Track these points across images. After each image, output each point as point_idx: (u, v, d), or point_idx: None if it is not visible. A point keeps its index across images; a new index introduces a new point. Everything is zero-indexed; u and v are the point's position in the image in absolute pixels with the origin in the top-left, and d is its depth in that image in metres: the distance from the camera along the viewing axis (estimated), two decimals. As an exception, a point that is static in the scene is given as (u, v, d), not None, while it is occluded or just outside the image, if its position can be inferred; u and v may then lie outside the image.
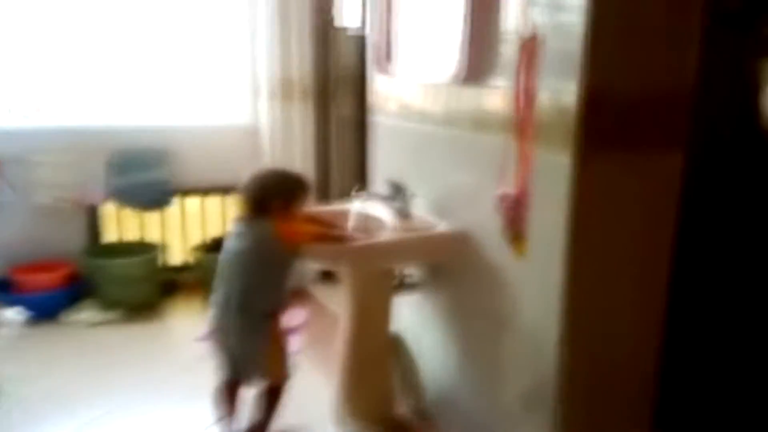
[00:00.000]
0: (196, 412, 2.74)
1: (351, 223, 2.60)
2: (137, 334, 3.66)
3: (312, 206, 2.57)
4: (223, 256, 2.37)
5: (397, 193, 2.54)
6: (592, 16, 1.68)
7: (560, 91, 1.79)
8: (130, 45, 4.03)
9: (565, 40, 1.76)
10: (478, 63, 2.16)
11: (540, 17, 1.85)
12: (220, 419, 2.52)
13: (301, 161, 4.03)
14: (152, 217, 4.16)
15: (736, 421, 2.07)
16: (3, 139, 3.77)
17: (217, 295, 2.37)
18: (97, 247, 4.02)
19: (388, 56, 2.73)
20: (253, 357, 2.38)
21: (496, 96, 2.10)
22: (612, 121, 1.77)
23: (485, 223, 2.17)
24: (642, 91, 1.77)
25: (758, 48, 1.95)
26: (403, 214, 2.50)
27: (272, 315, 2.37)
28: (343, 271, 2.62)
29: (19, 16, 3.86)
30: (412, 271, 2.66)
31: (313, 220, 2.49)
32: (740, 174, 2.00)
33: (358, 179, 3.28)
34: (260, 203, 2.31)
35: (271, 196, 2.31)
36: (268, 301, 2.36)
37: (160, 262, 4.07)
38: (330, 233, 2.45)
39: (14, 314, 3.61)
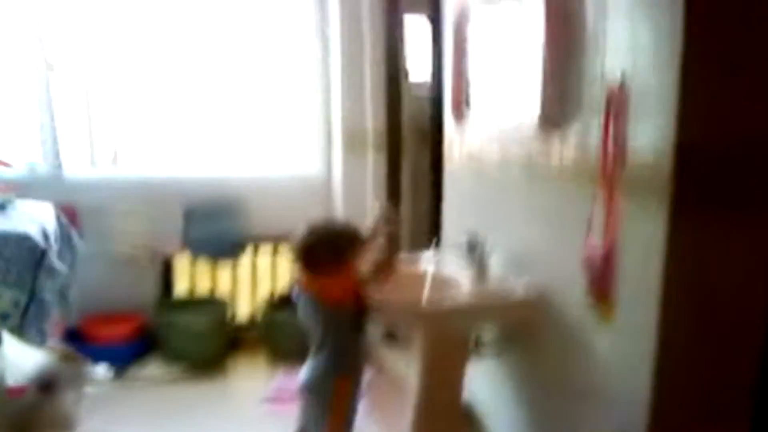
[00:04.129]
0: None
1: (425, 283, 2.46)
2: (203, 391, 3.54)
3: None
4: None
5: (473, 248, 2.40)
6: (684, 60, 1.51)
7: (651, 141, 1.61)
8: (205, 97, 4.06)
9: (655, 86, 1.60)
10: (558, 111, 2.01)
11: (627, 62, 1.72)
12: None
13: (372, 213, 3.91)
14: (224, 270, 4.09)
15: None
16: (81, 188, 3.81)
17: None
18: (167, 301, 3.98)
19: (464, 106, 2.64)
20: (313, 420, 2.26)
21: (579, 145, 1.94)
22: (710, 174, 1.56)
23: (567, 281, 1.98)
24: (742, 140, 1.58)
25: None
26: (479, 271, 2.35)
27: (336, 378, 2.21)
28: (415, 334, 2.48)
29: (98, 70, 3.95)
30: (485, 334, 2.49)
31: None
32: None
33: (432, 232, 3.16)
34: (310, 262, 2.17)
35: (320, 255, 2.15)
36: (331, 362, 2.21)
37: (227, 317, 4.00)
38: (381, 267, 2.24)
39: (102, 371, 3.56)
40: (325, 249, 2.15)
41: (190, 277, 4.07)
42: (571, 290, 1.96)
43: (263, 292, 4.11)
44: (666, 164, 1.56)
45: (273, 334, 3.68)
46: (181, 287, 4.08)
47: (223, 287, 4.10)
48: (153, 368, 3.73)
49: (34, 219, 2.90)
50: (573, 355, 2.00)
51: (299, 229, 2.17)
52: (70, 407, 2.64)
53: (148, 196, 3.89)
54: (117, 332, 3.75)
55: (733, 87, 1.56)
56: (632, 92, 1.69)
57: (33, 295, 2.66)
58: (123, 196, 3.86)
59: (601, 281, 1.81)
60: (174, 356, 3.77)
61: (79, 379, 2.81)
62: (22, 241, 2.65)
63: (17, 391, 2.45)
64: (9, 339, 2.54)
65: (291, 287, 2.28)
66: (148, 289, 3.95)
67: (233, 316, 4.07)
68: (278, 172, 4.19)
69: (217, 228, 3.94)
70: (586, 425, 1.96)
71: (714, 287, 1.64)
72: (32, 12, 3.62)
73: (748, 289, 1.66)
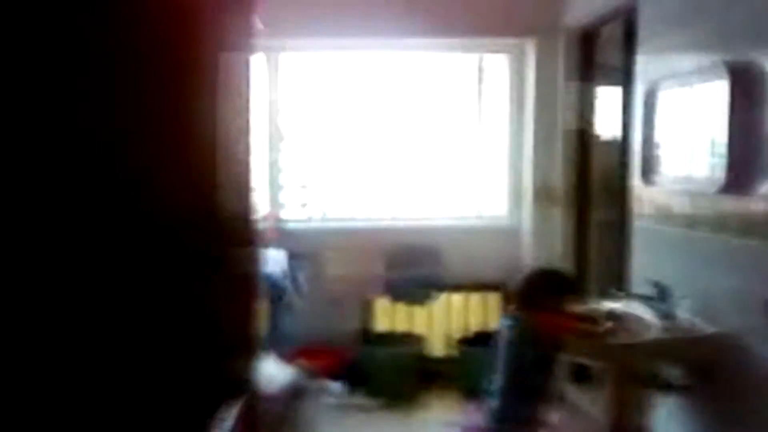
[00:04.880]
0: None
1: (609, 323, 2.69)
2: (397, 422, 3.87)
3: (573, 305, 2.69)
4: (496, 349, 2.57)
5: (661, 294, 2.61)
6: None
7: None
8: (404, 151, 4.55)
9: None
10: (745, 172, 2.22)
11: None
12: None
13: (559, 262, 4.15)
14: (419, 311, 4.44)
15: None
16: (295, 235, 4.33)
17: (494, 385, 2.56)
18: (367, 337, 4.38)
19: (653, 166, 2.87)
20: None
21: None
22: None
23: (755, 328, 2.15)
24: None
25: None
26: (666, 315, 2.56)
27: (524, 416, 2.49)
28: (602, 369, 2.70)
29: (306, 125, 4.54)
30: (672, 373, 2.67)
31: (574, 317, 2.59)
32: None
33: (616, 280, 3.37)
34: (527, 299, 2.51)
35: (539, 294, 2.50)
36: (521, 400, 2.49)
37: (422, 353, 4.32)
38: (589, 328, 2.55)
39: (337, 386, 4.07)
40: (550, 286, 2.51)
41: (390, 318, 4.45)
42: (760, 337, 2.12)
43: (456, 331, 4.42)
44: None
45: (466, 369, 3.99)
46: (380, 327, 4.46)
47: (419, 327, 4.44)
48: (352, 397, 4.10)
49: (273, 262, 3.44)
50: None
51: (523, 268, 2.52)
52: (311, 415, 3.09)
53: (354, 242, 4.37)
54: (323, 365, 4.10)
55: None
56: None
57: (274, 327, 3.17)
58: (331, 243, 4.37)
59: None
60: (373, 388, 4.13)
61: (318, 392, 3.20)
62: (267, 280, 3.18)
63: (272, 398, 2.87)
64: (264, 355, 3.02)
65: (498, 323, 2.62)
66: (350, 327, 4.36)
67: (428, 353, 4.39)
68: (471, 222, 4.57)
69: (415, 273, 4.33)
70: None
71: None
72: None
73: None
